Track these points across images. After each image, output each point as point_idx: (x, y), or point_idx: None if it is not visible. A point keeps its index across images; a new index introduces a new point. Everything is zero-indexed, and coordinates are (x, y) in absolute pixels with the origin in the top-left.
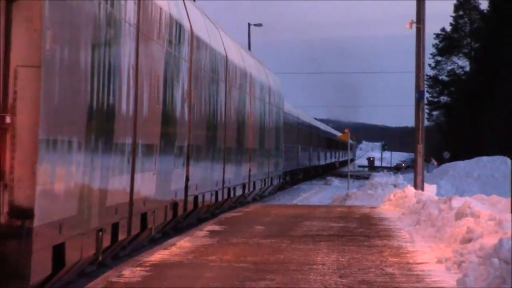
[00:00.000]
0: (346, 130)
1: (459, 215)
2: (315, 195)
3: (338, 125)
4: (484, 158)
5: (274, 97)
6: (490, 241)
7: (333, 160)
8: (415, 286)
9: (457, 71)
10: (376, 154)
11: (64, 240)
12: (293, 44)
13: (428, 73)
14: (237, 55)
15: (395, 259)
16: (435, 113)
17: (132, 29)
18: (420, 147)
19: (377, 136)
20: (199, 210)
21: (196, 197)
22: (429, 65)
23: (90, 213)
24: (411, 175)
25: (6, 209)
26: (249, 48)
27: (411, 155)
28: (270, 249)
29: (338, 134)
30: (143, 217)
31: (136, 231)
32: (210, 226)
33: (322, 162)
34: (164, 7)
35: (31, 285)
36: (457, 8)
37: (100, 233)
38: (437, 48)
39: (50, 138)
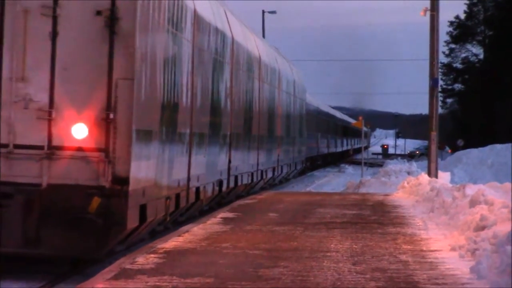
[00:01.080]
0: (360, 118)
1: (473, 203)
2: (329, 182)
3: (352, 112)
4: (498, 146)
5: (298, 89)
6: (503, 228)
7: (349, 147)
8: (428, 273)
9: (471, 59)
10: (390, 141)
11: (146, 202)
12: (307, 31)
13: (442, 61)
14: (267, 55)
15: (409, 247)
16: (449, 100)
17: (189, 43)
18: (434, 134)
19: (391, 124)
20: (238, 188)
21: (236, 177)
22: (443, 52)
23: (162, 184)
24: (425, 163)
25: (110, 177)
26: (263, 35)
27: (425, 142)
28: (284, 236)
29: (353, 121)
30: (197, 190)
31: (192, 201)
32: (223, 213)
33: (339, 149)
34: (212, 22)
35: (127, 231)
36: None
37: (168, 200)
38: (451, 36)
39: (139, 129)
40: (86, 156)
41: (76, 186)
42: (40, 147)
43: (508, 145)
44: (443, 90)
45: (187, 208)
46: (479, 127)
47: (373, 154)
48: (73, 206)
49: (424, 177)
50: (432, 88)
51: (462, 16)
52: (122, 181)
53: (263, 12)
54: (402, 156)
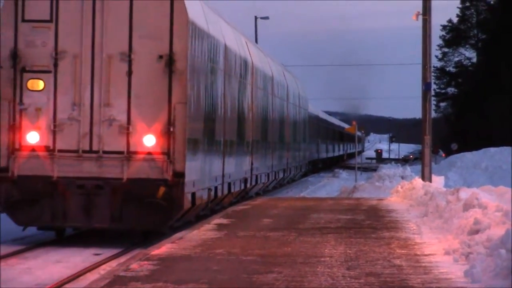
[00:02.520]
0: (354, 123)
1: (467, 207)
2: (323, 187)
3: (346, 117)
4: (492, 149)
5: (302, 100)
6: (497, 232)
7: (346, 151)
8: (422, 277)
9: (464, 63)
10: (384, 146)
11: (195, 191)
12: (300, 36)
13: (435, 65)
14: (278, 72)
15: (403, 251)
16: (442, 104)
17: (222, 72)
18: (428, 138)
19: (385, 128)
20: (258, 185)
21: (256, 176)
22: (436, 56)
23: (205, 178)
24: (418, 167)
25: (171, 173)
26: (256, 40)
27: (419, 146)
28: (278, 242)
29: (347, 126)
30: (229, 185)
31: (225, 193)
32: (217, 220)
33: (337, 153)
34: (236, 51)
35: (183, 211)
36: None
37: (209, 191)
38: (444, 40)
39: (190, 138)
40: (154, 158)
41: (148, 179)
42: (121, 152)
43: (502, 148)
44: (437, 94)
45: (221, 198)
46: (473, 131)
47: (367, 158)
48: (145, 193)
49: (418, 181)
50: (425, 92)
51: (455, 20)
52: (179, 175)
53: (256, 18)
54: (396, 160)
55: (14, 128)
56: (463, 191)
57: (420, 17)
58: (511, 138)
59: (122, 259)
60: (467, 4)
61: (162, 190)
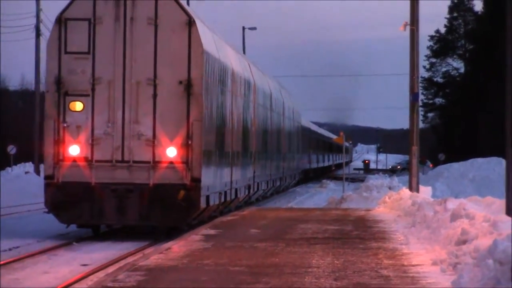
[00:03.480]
0: (341, 133)
1: (454, 217)
2: (311, 198)
3: (334, 128)
4: (479, 159)
5: (295, 114)
6: (484, 242)
7: (335, 161)
8: None
9: (452, 73)
10: (371, 156)
11: (209, 194)
12: (287, 47)
13: (423, 75)
14: (276, 90)
15: (390, 261)
16: (430, 115)
17: (229, 92)
18: (415, 149)
19: (372, 139)
20: (259, 191)
21: (258, 183)
22: (424, 67)
23: (216, 184)
24: (406, 177)
25: (189, 178)
26: (244, 51)
27: (407, 157)
28: (265, 253)
29: (335, 137)
30: (236, 190)
31: (233, 197)
32: (205, 230)
33: (326, 164)
34: (241, 74)
35: (199, 211)
36: (451, 9)
37: (220, 194)
38: (431, 50)
39: (205, 149)
40: (175, 167)
41: (170, 184)
42: (148, 162)
43: (489, 158)
44: (424, 105)
45: (230, 202)
46: (460, 141)
47: (355, 169)
48: (168, 196)
49: (405, 191)
50: (413, 103)
51: (443, 30)
52: (196, 180)
53: (243, 28)
54: (384, 171)
55: (59, 142)
56: (450, 202)
57: (408, 27)
58: (499, 149)
59: (110, 269)
60: (455, 14)
61: (182, 193)
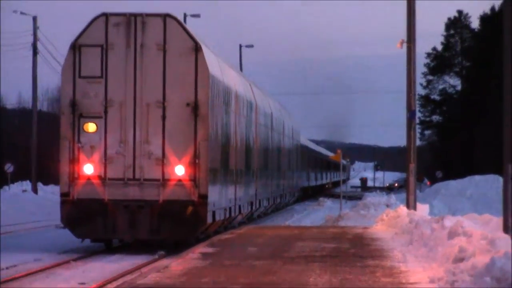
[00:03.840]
0: (339, 151)
1: (452, 235)
2: (308, 216)
3: (331, 146)
4: (477, 177)
5: (295, 132)
6: (482, 260)
7: (332, 179)
8: None
9: (449, 90)
10: (369, 174)
11: (215, 210)
12: (284, 64)
13: (420, 93)
14: (276, 110)
15: (388, 279)
16: (427, 132)
17: (233, 113)
18: (412, 166)
19: (370, 156)
20: (260, 208)
21: (260, 200)
22: (421, 84)
23: (222, 200)
24: (403, 195)
25: (196, 195)
26: (241, 68)
27: (404, 175)
28: (263, 271)
29: (332, 155)
30: (239, 207)
31: (237, 213)
32: (202, 249)
33: (324, 181)
34: (244, 95)
35: (206, 226)
36: (448, 27)
37: (225, 210)
38: (428, 67)
39: (211, 167)
40: (183, 184)
41: (179, 200)
42: (158, 180)
43: (487, 176)
44: (421, 122)
45: (234, 218)
46: (458, 159)
47: (352, 187)
48: (177, 211)
49: (402, 209)
50: (410, 120)
51: (439, 47)
52: (203, 197)
53: (240, 46)
54: (381, 188)
55: (74, 161)
56: (447, 219)
57: (405, 44)
58: (496, 166)
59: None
60: (452, 31)
61: (190, 209)
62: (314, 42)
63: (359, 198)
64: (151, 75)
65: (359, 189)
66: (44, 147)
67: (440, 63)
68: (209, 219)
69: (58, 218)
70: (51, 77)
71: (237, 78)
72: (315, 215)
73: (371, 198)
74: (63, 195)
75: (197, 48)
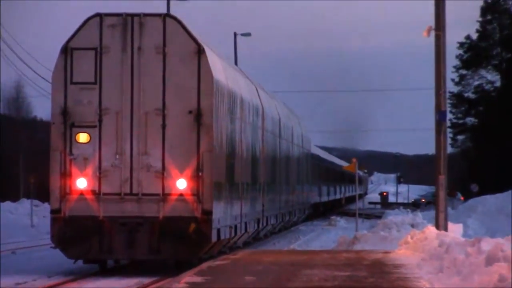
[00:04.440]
0: (354, 160)
1: (490, 260)
2: (317, 238)
3: (345, 154)
4: None
5: (305, 141)
6: None
7: (348, 193)
8: None
9: (486, 87)
10: (390, 188)
11: (220, 227)
12: (284, 56)
13: (451, 90)
14: (284, 115)
15: None
16: (460, 137)
17: (239, 120)
18: (442, 178)
19: (391, 166)
20: (267, 226)
21: (267, 217)
22: (452, 80)
23: (227, 217)
24: (432, 213)
25: (200, 211)
26: (235, 59)
27: (432, 188)
28: None
29: (345, 164)
30: (246, 224)
31: (243, 231)
32: (189, 278)
33: (338, 196)
34: (250, 101)
35: (211, 244)
36: (484, 11)
37: (230, 228)
38: (461, 60)
39: (215, 181)
40: (185, 199)
41: (180, 217)
42: (157, 195)
43: None
44: (453, 125)
45: (239, 237)
46: (497, 169)
47: (370, 203)
48: (179, 229)
49: (431, 230)
50: (439, 123)
51: (474, 36)
52: (207, 213)
53: (235, 34)
54: (405, 205)
55: (65, 175)
56: (485, 242)
57: (433, 32)
58: None
59: None
60: (489, 17)
61: (193, 226)
62: (322, 30)
63: (379, 216)
64: (149, 80)
65: (378, 206)
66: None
67: (475, 54)
68: (214, 238)
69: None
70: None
71: (242, 81)
72: (325, 237)
73: (393, 216)
74: (54, 211)
75: (200, 51)
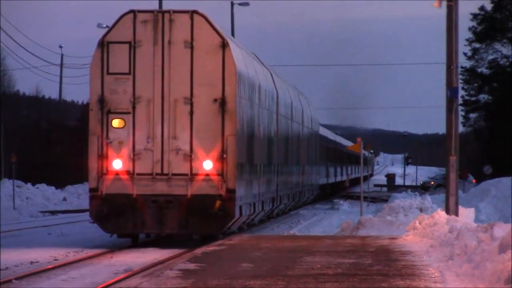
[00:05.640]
0: (359, 140)
1: (504, 247)
2: (319, 222)
3: (350, 133)
4: None
5: (314, 122)
6: None
7: (354, 175)
8: None
9: (501, 62)
10: (397, 169)
11: (242, 204)
12: (290, 28)
13: (464, 65)
14: (295, 99)
15: None
16: (472, 116)
17: (257, 106)
18: (453, 160)
19: (398, 146)
20: (281, 205)
21: (281, 197)
22: (465, 54)
23: (248, 195)
24: (442, 196)
25: (224, 189)
26: (232, 31)
27: (442, 170)
28: None
29: (349, 144)
30: (263, 202)
31: (259, 210)
32: (183, 264)
33: (345, 178)
34: (267, 87)
35: (234, 219)
36: None
37: (250, 205)
38: (474, 33)
39: (238, 162)
40: (211, 179)
41: (207, 195)
42: (186, 175)
43: None
44: (465, 103)
45: (257, 214)
46: None
47: (376, 185)
48: (205, 206)
49: (440, 214)
50: (450, 100)
51: (489, 7)
52: (231, 191)
53: (232, 4)
54: (413, 188)
55: (102, 157)
56: (498, 228)
57: (444, 3)
58: None
59: None
60: None
61: (218, 203)
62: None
63: (385, 200)
64: (178, 71)
65: (384, 189)
66: None
67: (489, 27)
68: (237, 214)
69: None
70: None
71: (259, 69)
72: (327, 221)
73: (400, 200)
74: (92, 190)
75: (224, 45)
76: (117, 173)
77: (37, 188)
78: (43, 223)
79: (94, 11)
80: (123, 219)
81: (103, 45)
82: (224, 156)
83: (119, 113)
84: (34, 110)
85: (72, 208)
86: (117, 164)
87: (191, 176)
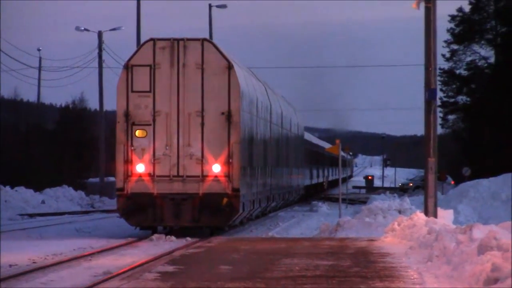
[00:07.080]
0: (337, 141)
1: (483, 249)
2: (297, 224)
3: (328, 135)
4: None
5: (300, 129)
6: None
7: (333, 177)
8: None
9: (479, 63)
10: (376, 171)
11: (244, 201)
12: (264, 29)
13: (442, 66)
14: (285, 108)
15: None
16: (451, 117)
17: (255, 117)
18: (432, 161)
19: (377, 148)
20: (273, 203)
21: (273, 196)
22: (443, 55)
23: (249, 193)
24: (420, 198)
25: (230, 188)
26: (210, 32)
27: (421, 172)
28: None
29: (329, 146)
30: (260, 200)
31: (257, 206)
32: (161, 267)
33: (330, 179)
34: (262, 100)
35: (238, 214)
36: None
37: (251, 202)
38: (452, 34)
39: (241, 165)
40: (219, 179)
41: (216, 193)
42: (198, 176)
43: None
44: (443, 104)
45: (255, 210)
46: (490, 152)
47: (354, 187)
48: (215, 202)
49: (419, 216)
50: (429, 102)
51: (467, 8)
52: (236, 190)
53: (210, 6)
54: (392, 189)
55: (127, 162)
56: (477, 229)
57: (423, 4)
58: None
59: None
60: None
61: (225, 200)
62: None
63: (364, 202)
64: (191, 89)
65: (363, 190)
66: None
67: (467, 28)
68: (241, 209)
69: None
70: None
71: (256, 84)
72: (306, 223)
73: (378, 202)
74: (119, 190)
75: (230, 67)
76: (140, 175)
77: (16, 191)
78: (21, 226)
79: (73, 13)
80: (145, 214)
81: (128, 67)
82: (230, 160)
83: (141, 125)
84: (12, 113)
85: (51, 211)
86: (140, 168)
87: (203, 177)
